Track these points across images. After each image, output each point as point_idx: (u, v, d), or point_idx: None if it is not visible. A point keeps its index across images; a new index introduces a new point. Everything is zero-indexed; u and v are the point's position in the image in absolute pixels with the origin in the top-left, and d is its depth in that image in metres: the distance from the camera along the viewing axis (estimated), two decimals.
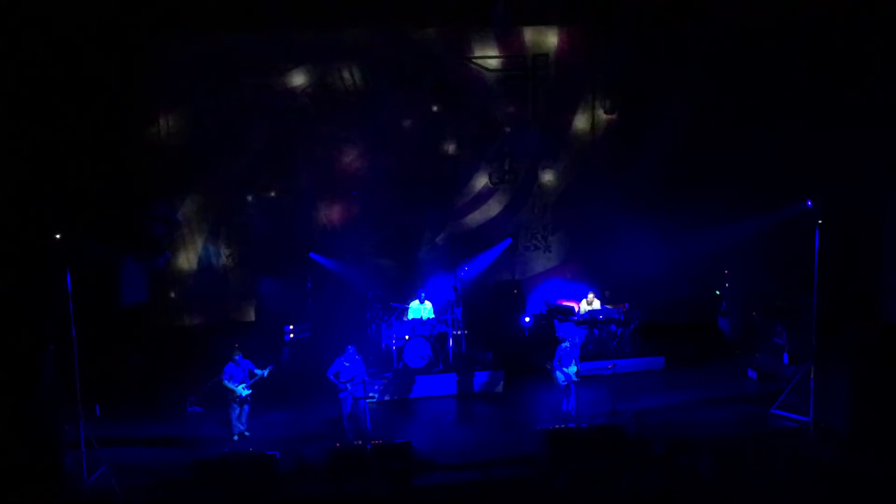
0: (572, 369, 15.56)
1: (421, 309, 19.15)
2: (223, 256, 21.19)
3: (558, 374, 15.69)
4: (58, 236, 13.81)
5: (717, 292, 21.18)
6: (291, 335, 20.42)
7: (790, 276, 17.87)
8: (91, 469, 13.58)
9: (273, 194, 21.09)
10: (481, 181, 21.89)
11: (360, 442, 14.32)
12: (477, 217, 21.97)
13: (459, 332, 18.87)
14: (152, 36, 19.42)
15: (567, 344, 15.79)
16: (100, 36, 18.02)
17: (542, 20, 21.15)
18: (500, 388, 18.02)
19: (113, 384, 16.75)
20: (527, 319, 21.25)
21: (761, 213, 18.59)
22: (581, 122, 21.83)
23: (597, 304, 19.47)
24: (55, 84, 16.96)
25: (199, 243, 21.05)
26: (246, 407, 15.56)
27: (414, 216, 21.19)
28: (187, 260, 21.07)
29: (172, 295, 21.04)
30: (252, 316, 21.24)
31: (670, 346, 19.39)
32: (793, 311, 18.09)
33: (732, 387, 17.60)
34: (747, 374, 18.09)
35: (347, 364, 15.30)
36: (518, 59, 21.37)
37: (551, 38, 21.36)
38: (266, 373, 15.59)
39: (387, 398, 17.46)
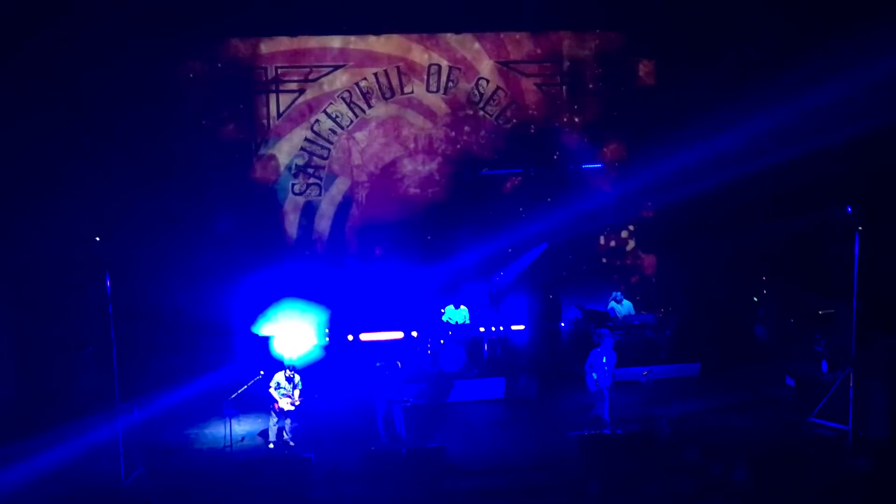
0: (605, 374, 15.48)
1: (457, 313, 19.17)
2: None
3: (589, 378, 15.64)
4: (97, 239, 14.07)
5: (755, 298, 20.97)
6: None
7: (828, 283, 17.64)
8: (127, 471, 13.77)
9: None
10: None
11: (393, 446, 14.38)
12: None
13: (495, 337, 18.85)
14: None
15: (600, 349, 15.71)
16: None
17: None
18: (534, 393, 17.97)
19: (150, 386, 16.92)
20: (562, 324, 21.20)
21: (800, 218, 18.37)
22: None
23: (626, 303, 19.31)
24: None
25: None
26: (286, 418, 15.52)
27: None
28: None
29: None
30: None
31: (706, 352, 19.16)
32: (831, 318, 17.85)
33: (769, 394, 17.39)
34: (785, 382, 17.83)
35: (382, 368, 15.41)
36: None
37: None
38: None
39: (421, 402, 17.43)
